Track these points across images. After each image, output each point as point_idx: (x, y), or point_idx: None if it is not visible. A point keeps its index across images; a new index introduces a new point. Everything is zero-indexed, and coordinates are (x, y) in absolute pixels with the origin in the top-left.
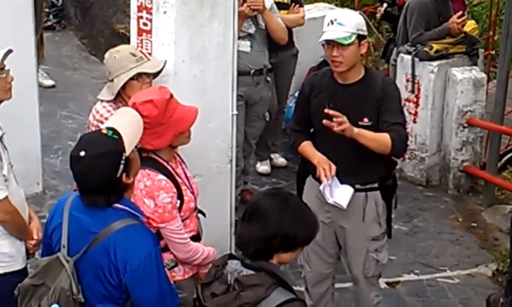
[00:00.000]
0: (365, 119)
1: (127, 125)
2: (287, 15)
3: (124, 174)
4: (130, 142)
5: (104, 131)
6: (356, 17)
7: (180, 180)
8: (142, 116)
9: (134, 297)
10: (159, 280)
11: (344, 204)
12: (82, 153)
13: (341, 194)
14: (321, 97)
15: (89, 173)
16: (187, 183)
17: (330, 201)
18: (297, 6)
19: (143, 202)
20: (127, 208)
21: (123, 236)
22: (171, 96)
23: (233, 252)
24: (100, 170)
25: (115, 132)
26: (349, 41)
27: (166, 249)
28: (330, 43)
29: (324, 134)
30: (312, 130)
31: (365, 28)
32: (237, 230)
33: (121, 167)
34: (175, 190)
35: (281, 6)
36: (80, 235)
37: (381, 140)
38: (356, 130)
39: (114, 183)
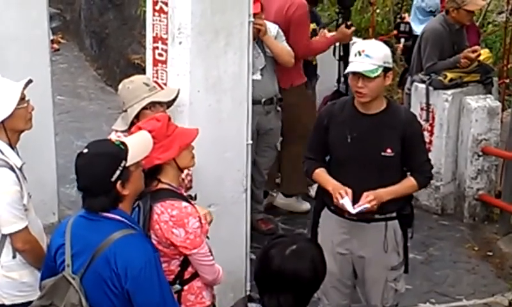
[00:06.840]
0: (388, 150)
1: (136, 140)
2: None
3: (119, 182)
4: (133, 155)
5: (113, 139)
6: (383, 49)
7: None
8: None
9: (136, 303)
10: (159, 285)
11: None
12: (86, 150)
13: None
14: (342, 127)
15: (87, 170)
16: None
17: (353, 211)
18: (325, 31)
19: (172, 233)
20: (124, 220)
21: (122, 245)
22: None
23: (247, 281)
24: (97, 169)
25: (122, 143)
26: (375, 74)
27: (194, 276)
28: (356, 74)
29: (345, 165)
30: (327, 159)
31: (391, 60)
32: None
33: (118, 172)
34: (199, 214)
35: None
36: (82, 252)
37: (408, 189)
38: (384, 194)
39: (107, 186)
